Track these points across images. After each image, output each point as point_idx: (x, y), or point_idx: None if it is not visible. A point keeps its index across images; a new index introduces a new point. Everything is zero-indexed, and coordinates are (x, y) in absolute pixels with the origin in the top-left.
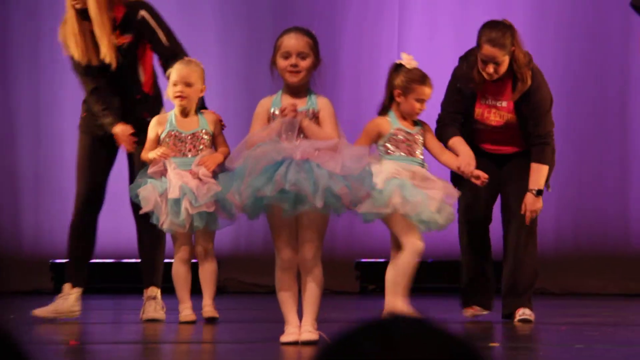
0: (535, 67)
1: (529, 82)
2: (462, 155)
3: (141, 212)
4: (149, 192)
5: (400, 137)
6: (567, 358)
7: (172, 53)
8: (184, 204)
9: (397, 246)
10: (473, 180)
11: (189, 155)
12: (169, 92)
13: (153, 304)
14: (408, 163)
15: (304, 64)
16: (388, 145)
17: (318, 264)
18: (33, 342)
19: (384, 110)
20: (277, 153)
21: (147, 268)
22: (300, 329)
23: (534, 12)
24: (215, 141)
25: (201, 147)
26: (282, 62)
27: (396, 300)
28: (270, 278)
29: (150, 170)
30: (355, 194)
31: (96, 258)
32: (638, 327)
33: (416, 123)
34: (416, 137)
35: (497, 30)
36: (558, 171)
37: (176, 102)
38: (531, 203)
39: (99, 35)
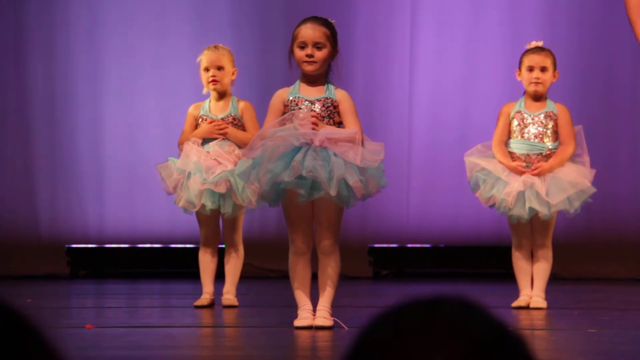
0: None
1: None
2: None
3: (167, 191)
4: (170, 170)
5: None
6: (580, 342)
7: None
8: (193, 179)
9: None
10: None
11: (216, 139)
12: (202, 78)
13: None
14: None
15: (320, 54)
16: None
17: (336, 250)
18: (48, 326)
19: None
20: (296, 139)
21: None
22: (316, 313)
23: (544, 20)
24: (245, 128)
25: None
26: (298, 52)
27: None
28: (283, 263)
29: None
30: (368, 188)
31: (111, 243)
32: None
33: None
34: None
35: None
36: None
37: (210, 87)
38: None
39: None
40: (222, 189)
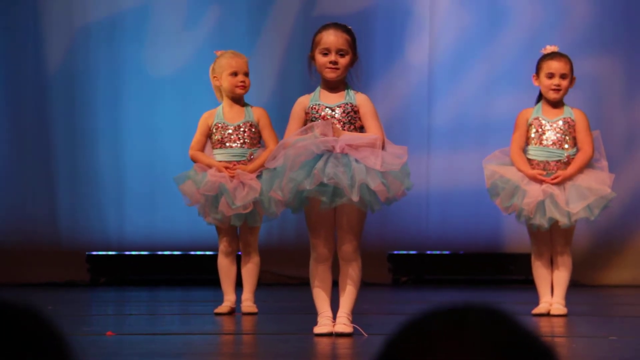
0: None
1: None
2: None
3: (189, 205)
4: (190, 188)
5: None
6: (601, 349)
7: None
8: (222, 204)
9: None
10: None
11: (233, 147)
12: (225, 83)
13: None
14: None
15: (343, 61)
16: None
17: (357, 257)
18: (69, 333)
19: None
20: (317, 147)
21: None
22: (336, 320)
23: (561, 24)
24: (262, 135)
25: (246, 139)
26: (321, 59)
27: None
28: (303, 270)
29: (196, 165)
30: (392, 191)
31: (131, 250)
32: None
33: None
34: None
35: None
36: None
37: (237, 91)
38: None
39: None
40: (250, 208)
